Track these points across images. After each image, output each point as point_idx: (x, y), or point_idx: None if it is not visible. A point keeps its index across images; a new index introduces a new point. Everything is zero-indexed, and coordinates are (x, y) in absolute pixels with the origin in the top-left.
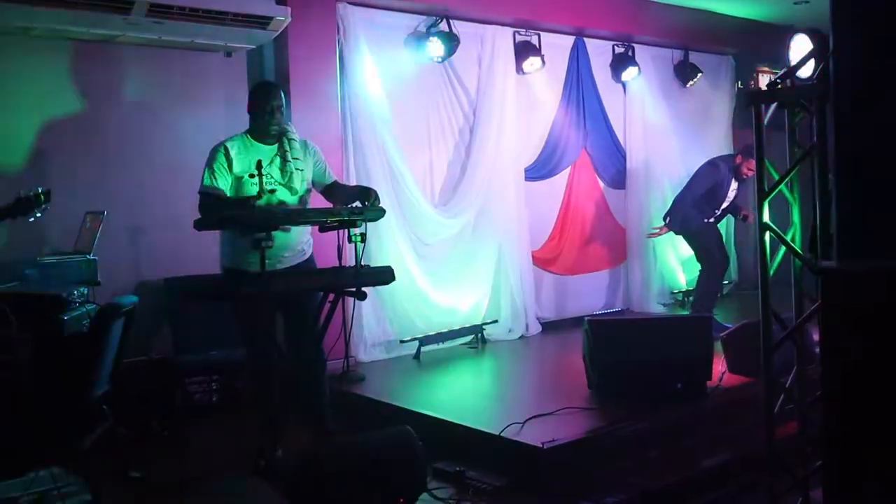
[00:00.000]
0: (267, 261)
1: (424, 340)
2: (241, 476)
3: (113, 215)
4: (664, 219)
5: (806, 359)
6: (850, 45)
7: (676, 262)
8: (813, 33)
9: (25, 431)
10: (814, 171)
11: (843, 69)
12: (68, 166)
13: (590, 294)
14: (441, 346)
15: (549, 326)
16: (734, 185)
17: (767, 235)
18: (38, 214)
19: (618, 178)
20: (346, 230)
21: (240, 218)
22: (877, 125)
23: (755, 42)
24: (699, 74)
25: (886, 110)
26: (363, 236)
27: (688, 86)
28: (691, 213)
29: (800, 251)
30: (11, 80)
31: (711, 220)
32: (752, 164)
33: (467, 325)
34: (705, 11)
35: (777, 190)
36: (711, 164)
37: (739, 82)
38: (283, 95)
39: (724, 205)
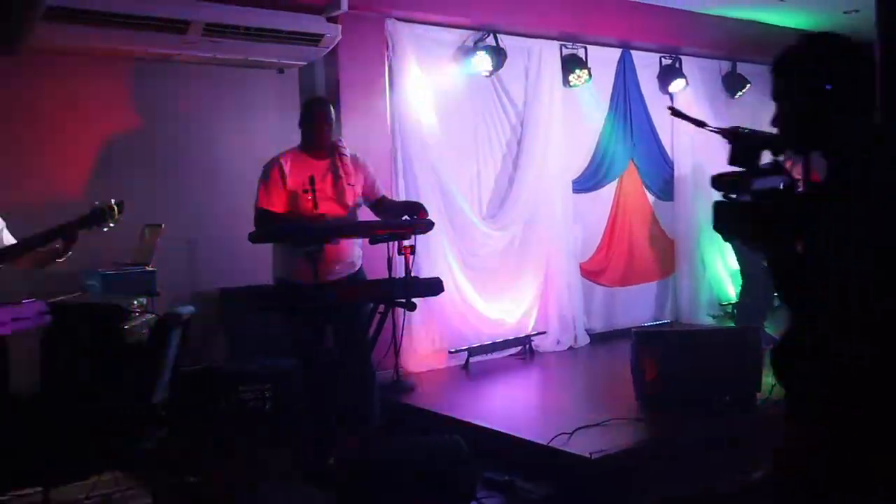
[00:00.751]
0: (318, 273)
1: (473, 351)
2: (294, 482)
3: (171, 227)
4: None
5: None
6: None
7: (726, 274)
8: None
9: (88, 437)
10: None
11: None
12: (128, 180)
13: (638, 306)
14: (489, 356)
15: (597, 338)
16: None
17: None
18: (112, 225)
19: (666, 189)
20: (396, 242)
21: (292, 231)
22: None
23: None
24: (747, 85)
25: None
26: (412, 248)
27: (736, 97)
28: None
29: None
30: (74, 99)
31: None
32: (801, 167)
33: (515, 337)
34: (753, 22)
35: None
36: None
37: None
38: (332, 110)
39: None
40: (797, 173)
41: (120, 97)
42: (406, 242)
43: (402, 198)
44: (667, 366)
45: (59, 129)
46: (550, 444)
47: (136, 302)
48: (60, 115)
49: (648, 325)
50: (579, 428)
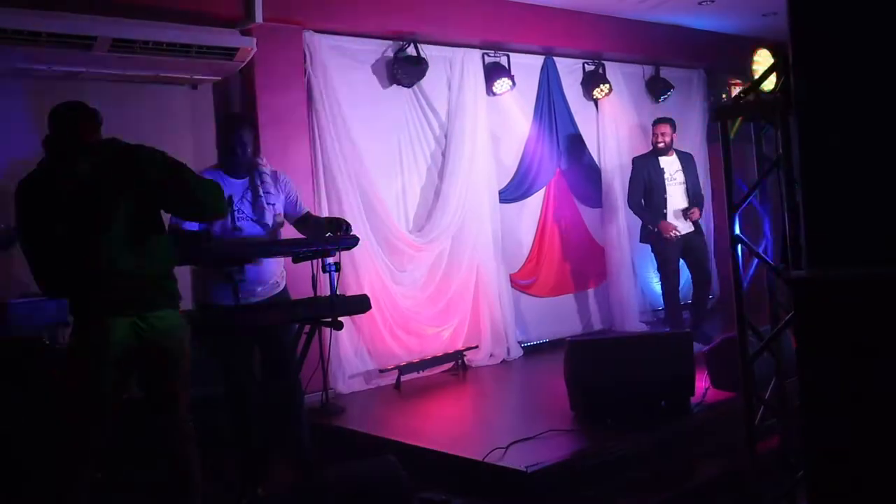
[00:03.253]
0: (240, 294)
1: (404, 369)
2: None
3: None
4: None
5: (786, 371)
6: (809, 57)
7: (657, 279)
8: (775, 47)
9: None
10: (781, 182)
11: (803, 81)
12: None
13: (571, 315)
14: (421, 374)
15: (530, 350)
16: (671, 174)
17: (739, 248)
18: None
19: (594, 196)
20: (320, 260)
21: (210, 252)
22: (839, 135)
23: (725, 55)
24: (671, 90)
25: (847, 120)
26: (337, 265)
27: (660, 101)
28: (643, 220)
29: (771, 262)
30: None
31: (673, 228)
32: (660, 127)
33: (447, 352)
34: (674, 26)
35: (747, 202)
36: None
37: (712, 96)
38: (250, 129)
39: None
40: (659, 135)
41: (22, 116)
42: (330, 260)
43: (326, 214)
44: (600, 374)
45: None
46: (485, 460)
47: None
48: None
49: (582, 334)
50: (514, 442)
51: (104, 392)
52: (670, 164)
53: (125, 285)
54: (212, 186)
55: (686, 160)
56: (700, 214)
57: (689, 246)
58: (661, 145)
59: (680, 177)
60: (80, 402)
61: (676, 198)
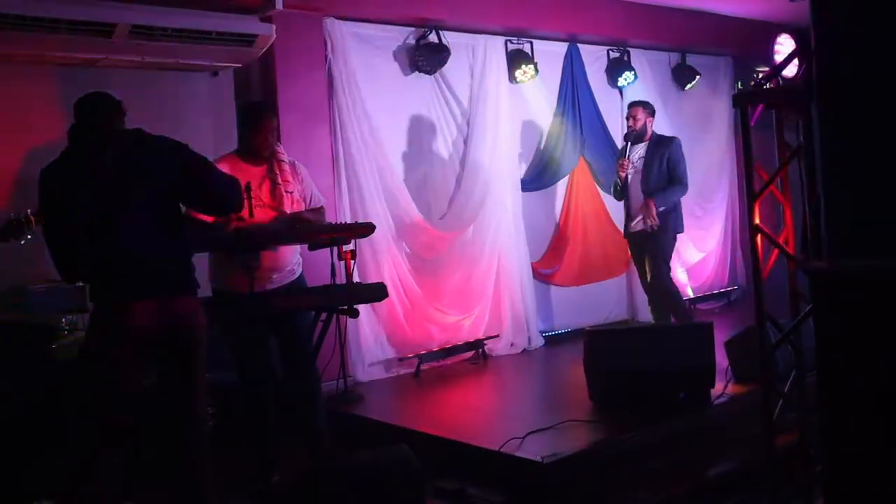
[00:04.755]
0: (255, 281)
1: (424, 358)
2: (239, 502)
3: None
4: None
5: (806, 363)
6: (830, 42)
7: (681, 269)
8: (797, 32)
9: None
10: (802, 171)
11: (824, 67)
12: None
13: (593, 305)
14: (441, 362)
15: (552, 339)
16: (634, 164)
17: (759, 238)
18: (29, 236)
19: None
20: (338, 248)
21: (226, 239)
22: (861, 122)
23: (753, 42)
24: (697, 77)
25: (870, 107)
26: (353, 253)
27: (686, 89)
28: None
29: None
30: None
31: (632, 222)
32: (631, 111)
33: (468, 341)
34: (700, 11)
35: (768, 191)
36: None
37: (739, 83)
38: (273, 116)
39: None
40: (631, 119)
41: (43, 104)
42: (346, 247)
43: (346, 200)
44: (619, 364)
45: None
46: (501, 450)
47: (64, 319)
48: None
49: (603, 324)
50: (531, 432)
51: (123, 375)
52: (636, 153)
53: (146, 270)
54: (230, 182)
55: (658, 147)
56: (653, 209)
57: (643, 247)
58: (632, 130)
59: (641, 165)
60: (99, 384)
61: (635, 190)
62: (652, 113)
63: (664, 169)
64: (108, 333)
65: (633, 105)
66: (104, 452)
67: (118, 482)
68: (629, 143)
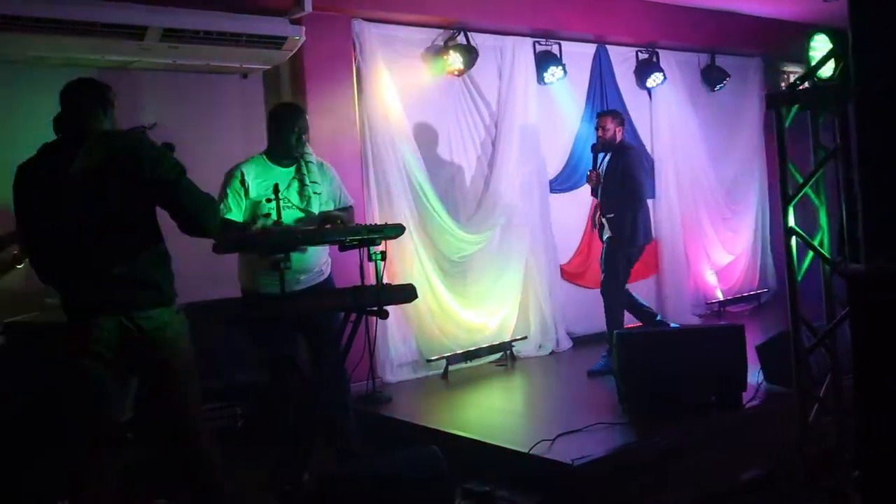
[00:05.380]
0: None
1: (452, 359)
2: (268, 502)
3: None
4: None
5: (842, 367)
6: (869, 42)
7: (711, 272)
8: (833, 32)
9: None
10: (838, 173)
11: (863, 68)
12: None
13: None
14: (469, 364)
15: (579, 341)
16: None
17: (794, 240)
18: None
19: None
20: (367, 248)
21: (257, 239)
22: None
23: (783, 42)
24: (727, 78)
25: None
26: (383, 254)
27: (715, 90)
28: None
29: (828, 255)
30: (26, 110)
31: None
32: (600, 120)
33: (495, 343)
34: (730, 12)
35: (802, 193)
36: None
37: (769, 85)
38: (305, 119)
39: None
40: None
41: None
42: (377, 248)
43: (374, 202)
44: (648, 366)
45: (9, 140)
46: (531, 452)
47: None
48: (11, 125)
49: (632, 327)
50: (561, 434)
51: (96, 390)
52: (605, 164)
53: (108, 284)
54: (206, 202)
55: (618, 156)
56: (606, 223)
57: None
58: (601, 138)
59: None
60: (76, 394)
61: (602, 200)
62: (621, 122)
63: (619, 179)
64: (72, 347)
65: (601, 115)
66: (96, 452)
67: (116, 482)
68: (600, 154)
